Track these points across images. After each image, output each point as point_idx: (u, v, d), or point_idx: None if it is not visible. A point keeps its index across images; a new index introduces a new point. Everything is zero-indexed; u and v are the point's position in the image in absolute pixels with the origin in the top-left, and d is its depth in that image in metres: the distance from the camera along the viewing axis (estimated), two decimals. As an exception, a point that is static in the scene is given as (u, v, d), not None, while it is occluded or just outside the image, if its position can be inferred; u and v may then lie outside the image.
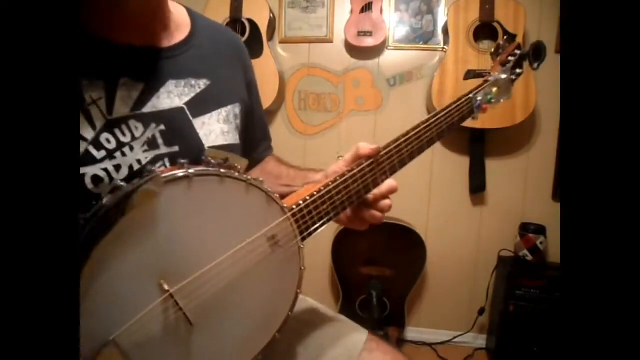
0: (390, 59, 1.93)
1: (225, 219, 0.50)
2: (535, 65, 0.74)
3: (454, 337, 1.96)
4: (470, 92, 0.70)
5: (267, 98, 1.81)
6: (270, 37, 1.93)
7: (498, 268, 1.86)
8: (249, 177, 0.51)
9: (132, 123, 0.55)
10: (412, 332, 1.99)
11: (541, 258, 1.77)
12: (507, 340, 1.70)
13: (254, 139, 0.78)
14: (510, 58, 0.75)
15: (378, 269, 1.80)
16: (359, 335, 0.69)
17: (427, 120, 0.65)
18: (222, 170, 0.49)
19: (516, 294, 1.67)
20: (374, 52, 1.93)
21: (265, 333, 0.54)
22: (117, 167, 0.53)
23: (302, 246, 0.56)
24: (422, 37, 1.91)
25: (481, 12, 1.71)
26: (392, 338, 1.79)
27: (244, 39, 1.82)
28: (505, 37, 0.77)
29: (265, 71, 1.83)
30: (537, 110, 1.82)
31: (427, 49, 1.89)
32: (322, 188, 0.58)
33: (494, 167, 1.89)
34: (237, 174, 0.50)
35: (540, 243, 1.75)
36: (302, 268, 0.56)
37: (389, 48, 1.93)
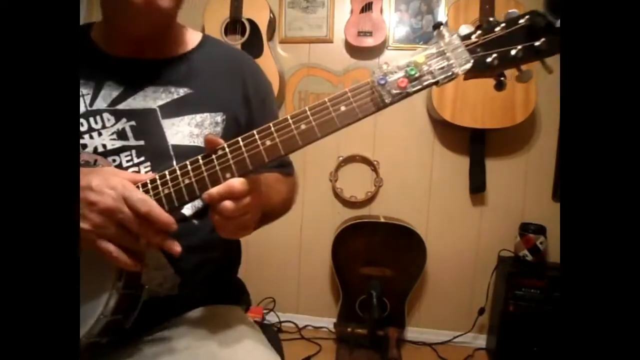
0: (390, 59, 1.92)
1: None
2: (557, 23, 0.55)
3: (454, 337, 1.96)
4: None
5: (267, 98, 1.80)
6: (270, 37, 1.93)
7: (498, 268, 1.86)
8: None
9: (106, 115, 0.67)
10: (412, 332, 1.99)
11: (541, 258, 1.77)
12: (507, 340, 1.71)
13: None
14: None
15: (378, 269, 1.80)
16: None
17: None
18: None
19: (516, 294, 1.67)
20: (374, 52, 1.93)
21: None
22: (83, 146, 0.65)
23: None
24: (422, 37, 1.91)
25: (481, 12, 1.71)
26: (392, 338, 1.79)
27: (243, 39, 1.82)
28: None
29: (265, 71, 1.80)
30: (537, 110, 1.82)
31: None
32: (149, 180, 0.55)
33: (494, 167, 1.89)
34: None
35: (540, 243, 1.75)
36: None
37: (389, 48, 1.93)
